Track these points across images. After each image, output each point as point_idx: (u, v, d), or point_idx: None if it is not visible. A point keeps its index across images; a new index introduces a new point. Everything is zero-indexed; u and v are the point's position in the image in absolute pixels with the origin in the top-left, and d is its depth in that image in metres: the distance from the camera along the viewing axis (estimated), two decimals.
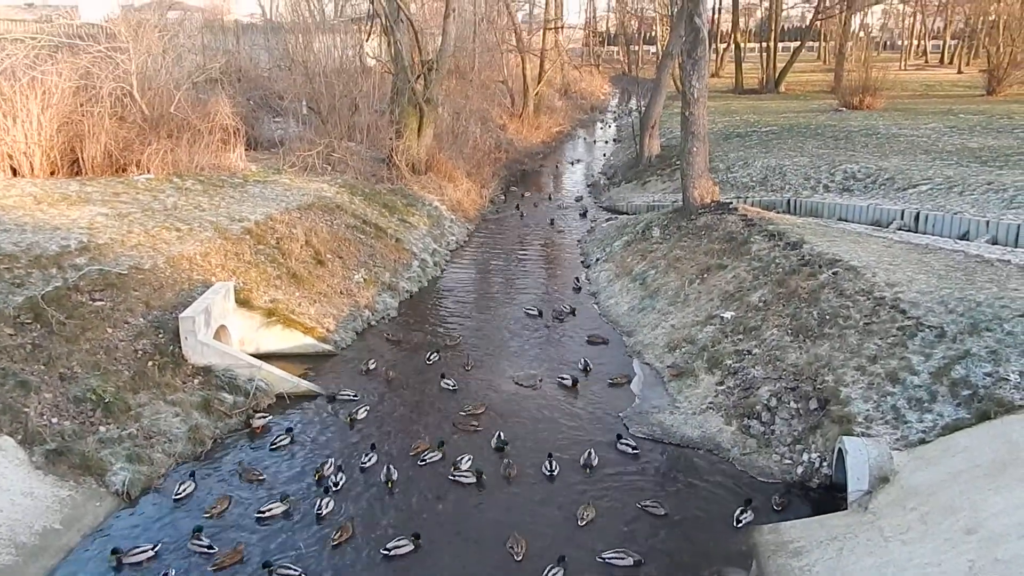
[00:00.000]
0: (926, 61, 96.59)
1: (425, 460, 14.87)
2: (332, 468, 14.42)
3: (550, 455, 14.86)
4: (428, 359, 19.54)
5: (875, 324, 15.85)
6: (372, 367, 18.99)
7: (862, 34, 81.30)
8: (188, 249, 20.31)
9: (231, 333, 18.85)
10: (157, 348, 16.82)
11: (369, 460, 14.86)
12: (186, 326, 16.92)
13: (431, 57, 35.58)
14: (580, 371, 18.64)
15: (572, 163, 51.61)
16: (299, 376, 18.25)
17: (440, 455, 15.00)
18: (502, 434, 15.56)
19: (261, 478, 14.34)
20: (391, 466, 14.33)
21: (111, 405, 14.90)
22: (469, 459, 14.64)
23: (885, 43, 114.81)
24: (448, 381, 18.16)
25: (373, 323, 22.19)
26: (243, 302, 19.54)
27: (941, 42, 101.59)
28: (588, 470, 14.51)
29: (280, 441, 15.54)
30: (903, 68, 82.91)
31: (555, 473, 14.44)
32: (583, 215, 35.62)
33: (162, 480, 14.18)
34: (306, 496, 13.85)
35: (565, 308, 22.95)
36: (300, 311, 20.55)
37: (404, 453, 15.21)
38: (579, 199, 40.00)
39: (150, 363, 16.39)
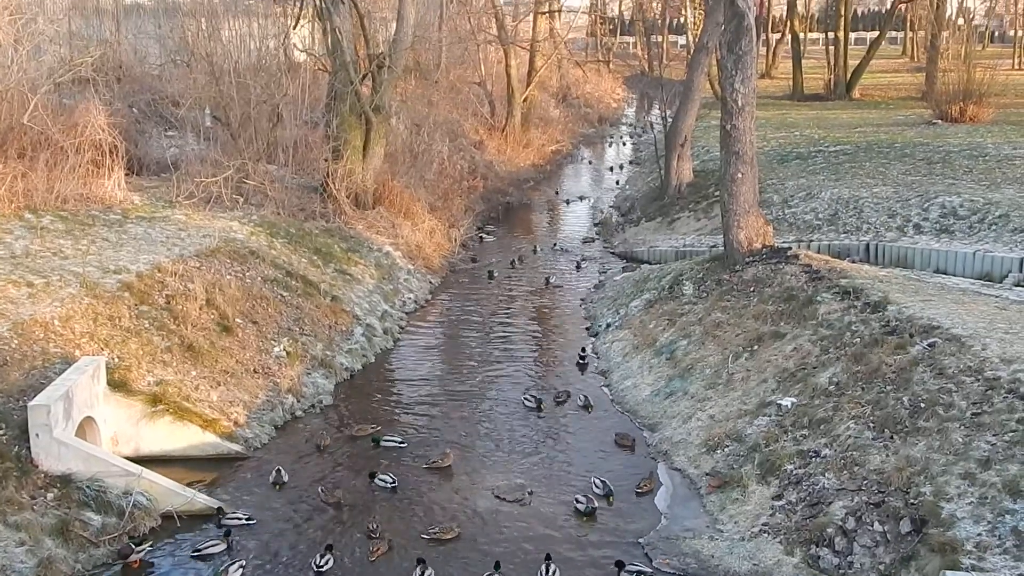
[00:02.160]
0: None
1: None
2: None
3: (548, 557, 15.60)
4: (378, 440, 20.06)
5: (987, 415, 15.91)
6: (285, 479, 18.87)
7: (961, 21, 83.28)
8: (43, 311, 20.22)
9: (100, 428, 18.67)
10: None
11: (326, 563, 15.74)
12: (38, 418, 16.70)
13: (382, 50, 36.05)
14: (600, 495, 18.17)
15: (568, 201, 50.70)
16: (195, 487, 18.04)
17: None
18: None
19: None
20: None
21: None
22: None
23: (992, 34, 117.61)
24: (384, 477, 18.61)
25: (299, 413, 22.10)
26: (119, 385, 19.40)
27: None
28: None
29: (208, 548, 16.23)
30: (1017, 67, 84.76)
31: None
32: (578, 267, 35.84)
33: None
34: None
35: (580, 399, 22.84)
36: (198, 397, 20.42)
37: None
38: (587, 241, 40.53)
39: None
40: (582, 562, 16.12)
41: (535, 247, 39.23)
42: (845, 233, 31.50)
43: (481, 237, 41.08)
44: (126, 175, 31.09)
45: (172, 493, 17.43)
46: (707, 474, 18.31)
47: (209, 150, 35.75)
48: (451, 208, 40.43)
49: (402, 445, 20.22)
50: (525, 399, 22.91)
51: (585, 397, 22.82)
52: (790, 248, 26.80)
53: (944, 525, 14.25)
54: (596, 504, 17.72)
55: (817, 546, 15.24)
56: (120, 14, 49.59)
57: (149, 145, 37.37)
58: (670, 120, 43.12)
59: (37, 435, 16.74)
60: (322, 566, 15.77)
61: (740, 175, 26.17)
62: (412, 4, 36.28)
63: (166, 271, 23.88)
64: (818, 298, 22.51)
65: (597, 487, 18.36)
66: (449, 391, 23.94)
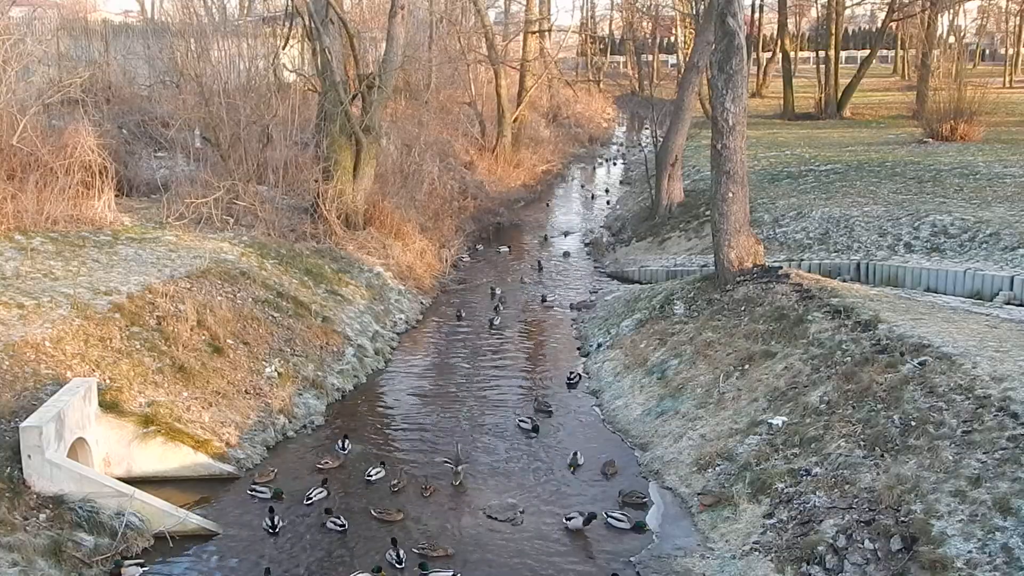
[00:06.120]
0: None
1: None
2: None
3: None
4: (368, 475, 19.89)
5: (978, 433, 16.07)
6: (273, 494, 19.06)
7: (952, 40, 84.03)
8: (34, 333, 20.34)
9: (92, 449, 18.77)
10: None
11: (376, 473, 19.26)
12: (30, 440, 16.81)
13: (372, 70, 36.27)
14: (629, 528, 17.80)
15: (547, 237, 46.56)
16: (187, 508, 18.15)
17: None
18: None
19: None
20: None
21: None
22: None
23: (983, 52, 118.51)
24: (336, 519, 18.01)
25: (291, 433, 22.19)
26: (110, 406, 19.50)
27: None
28: None
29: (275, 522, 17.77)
30: (1008, 85, 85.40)
31: None
32: (543, 300, 34.09)
33: None
34: None
35: (568, 456, 21.17)
36: (189, 417, 20.53)
37: None
38: (566, 254, 41.15)
39: None
40: None
41: (493, 290, 35.28)
42: (836, 252, 31.74)
43: (499, 250, 42.35)
44: (116, 196, 31.29)
45: (164, 513, 17.52)
46: (698, 493, 18.42)
47: (199, 171, 35.93)
48: (442, 228, 40.65)
49: (342, 528, 17.96)
50: (520, 421, 22.86)
51: (575, 454, 20.96)
52: (781, 267, 26.94)
53: (934, 543, 14.38)
54: (587, 522, 17.73)
55: (808, 564, 15.34)
56: (109, 35, 49.84)
57: (139, 166, 37.50)
58: (661, 140, 43.35)
59: (29, 456, 16.85)
60: (371, 475, 19.51)
61: (731, 194, 26.34)
62: (402, 24, 36.55)
63: (157, 292, 24.00)
64: (809, 317, 22.70)
65: (622, 521, 17.88)
66: (440, 411, 24.04)
